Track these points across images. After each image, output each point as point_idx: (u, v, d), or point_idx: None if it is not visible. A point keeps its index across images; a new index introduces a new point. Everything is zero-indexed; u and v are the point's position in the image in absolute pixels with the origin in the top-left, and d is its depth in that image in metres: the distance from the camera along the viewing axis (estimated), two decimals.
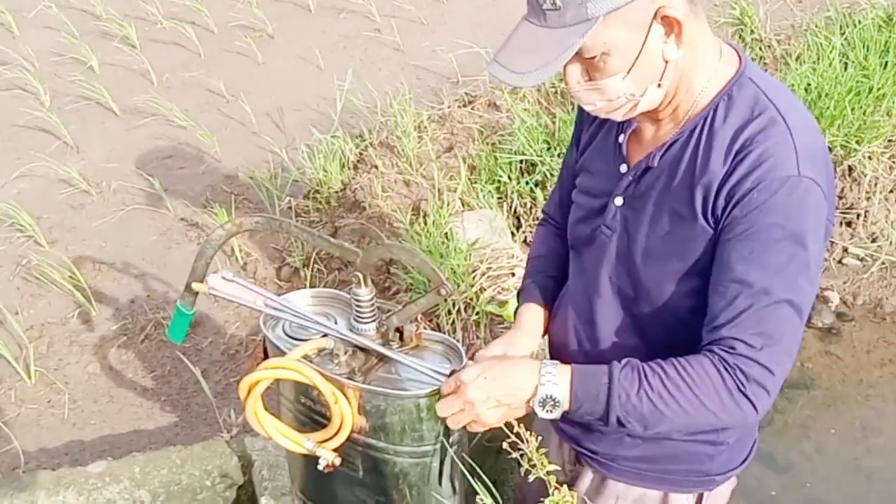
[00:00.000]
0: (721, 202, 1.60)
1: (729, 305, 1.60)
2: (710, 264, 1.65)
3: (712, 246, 1.64)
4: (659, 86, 1.62)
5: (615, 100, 1.62)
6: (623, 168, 1.78)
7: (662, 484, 1.98)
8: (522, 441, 1.64)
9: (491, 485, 1.81)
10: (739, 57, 1.69)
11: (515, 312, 2.08)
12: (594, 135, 1.91)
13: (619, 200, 1.78)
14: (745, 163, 1.57)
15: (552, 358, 2.05)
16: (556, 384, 1.65)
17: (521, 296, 2.10)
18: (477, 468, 1.91)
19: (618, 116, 1.68)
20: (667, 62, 1.59)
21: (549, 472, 1.66)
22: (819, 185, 1.58)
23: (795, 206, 1.56)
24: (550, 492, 1.68)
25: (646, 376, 1.63)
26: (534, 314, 2.04)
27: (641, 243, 1.74)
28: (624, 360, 1.66)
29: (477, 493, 1.77)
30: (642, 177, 1.74)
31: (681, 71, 1.63)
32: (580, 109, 1.96)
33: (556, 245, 2.11)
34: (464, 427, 1.73)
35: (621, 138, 1.80)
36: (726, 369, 1.59)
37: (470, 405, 1.67)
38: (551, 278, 2.07)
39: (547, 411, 1.67)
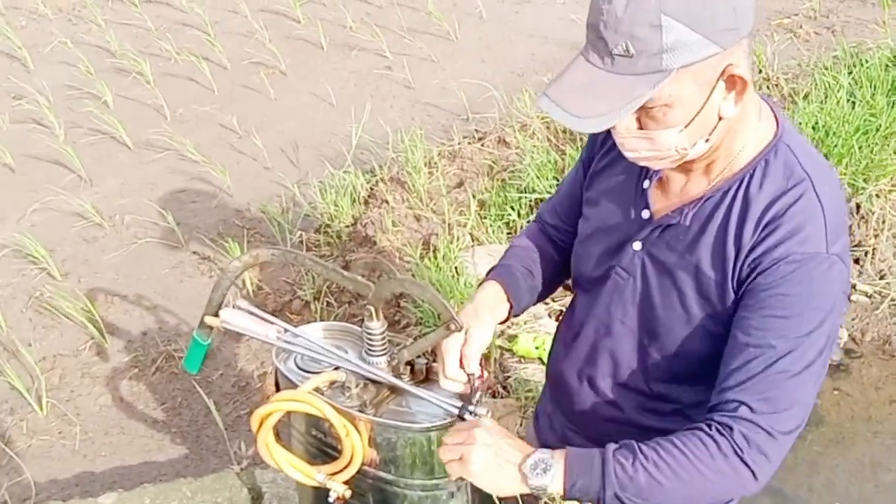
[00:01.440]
0: (746, 269, 1.59)
1: (741, 368, 1.58)
2: (729, 323, 1.64)
3: (733, 307, 1.63)
4: (707, 140, 1.58)
5: (664, 151, 1.58)
6: (645, 214, 1.75)
7: None
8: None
9: None
10: (776, 117, 1.67)
11: (479, 286, 1.99)
12: (608, 166, 1.87)
13: (637, 245, 1.76)
14: (776, 234, 1.56)
15: (550, 390, 2.06)
16: (550, 457, 1.57)
17: (491, 272, 2.01)
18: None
19: (656, 165, 1.65)
20: (720, 118, 1.56)
21: None
22: (844, 261, 1.58)
23: (819, 283, 1.55)
24: None
25: (641, 451, 1.55)
26: (497, 293, 1.93)
27: (662, 293, 1.72)
28: (621, 443, 1.59)
29: None
30: (667, 229, 1.71)
31: (728, 128, 1.59)
32: (593, 134, 1.91)
33: (541, 242, 2.06)
34: None
35: (646, 184, 1.76)
36: (722, 433, 1.54)
37: (468, 473, 1.60)
38: (528, 271, 2.01)
39: (537, 477, 1.57)
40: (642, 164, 1.66)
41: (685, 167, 1.68)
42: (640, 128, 1.55)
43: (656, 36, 1.42)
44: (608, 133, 1.67)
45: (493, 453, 1.58)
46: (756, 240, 1.59)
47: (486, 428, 1.61)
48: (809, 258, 1.55)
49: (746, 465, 1.54)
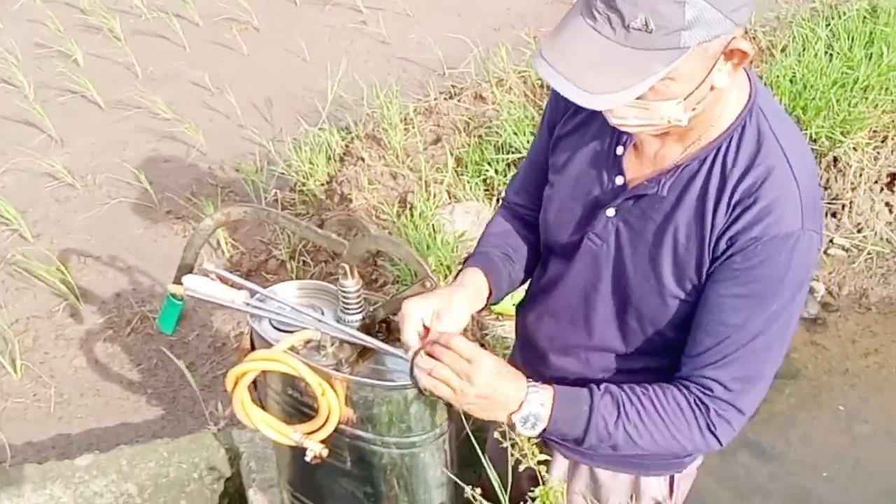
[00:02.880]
0: (722, 245, 1.58)
1: (715, 346, 1.63)
2: (700, 293, 1.65)
3: (706, 279, 1.63)
4: (693, 110, 1.54)
5: (655, 121, 1.53)
6: (619, 180, 1.71)
7: (634, 468, 2.01)
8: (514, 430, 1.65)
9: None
10: (749, 79, 1.62)
11: (457, 274, 1.97)
12: (575, 130, 1.81)
13: (611, 211, 1.72)
14: (750, 213, 1.54)
15: (520, 350, 2.06)
16: (540, 405, 1.66)
17: (469, 260, 1.98)
18: (481, 452, 1.90)
19: (637, 131, 1.61)
20: (712, 88, 1.51)
21: (540, 462, 1.67)
22: (817, 231, 1.58)
23: (796, 261, 1.55)
24: (541, 481, 1.71)
25: (624, 408, 1.68)
26: (477, 279, 1.90)
27: (636, 262, 1.70)
28: (603, 387, 1.70)
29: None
30: (642, 197, 1.67)
31: (716, 98, 1.55)
32: (557, 94, 1.81)
33: (515, 225, 2.04)
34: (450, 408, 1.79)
35: (619, 150, 1.71)
36: (699, 409, 1.67)
37: (463, 395, 1.64)
38: (506, 256, 1.98)
39: (527, 429, 1.68)
40: (625, 130, 1.61)
41: (662, 134, 1.64)
42: (638, 97, 1.45)
43: (679, 12, 1.35)
44: None
45: (488, 401, 1.65)
46: (730, 218, 1.57)
47: (485, 365, 1.63)
48: (785, 237, 1.54)
49: (717, 438, 1.70)
